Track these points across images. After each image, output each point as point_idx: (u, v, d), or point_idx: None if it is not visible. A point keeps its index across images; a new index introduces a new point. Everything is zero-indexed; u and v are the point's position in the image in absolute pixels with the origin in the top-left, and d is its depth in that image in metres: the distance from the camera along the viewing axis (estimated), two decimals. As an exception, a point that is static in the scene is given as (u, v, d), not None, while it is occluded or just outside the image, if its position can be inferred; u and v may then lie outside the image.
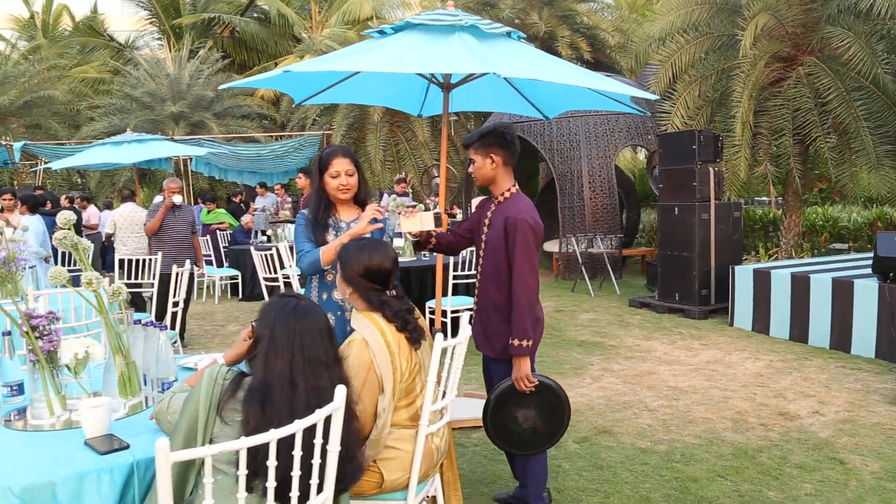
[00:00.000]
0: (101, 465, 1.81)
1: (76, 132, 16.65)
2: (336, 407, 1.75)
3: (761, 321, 6.77)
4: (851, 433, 4.08)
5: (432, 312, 5.64)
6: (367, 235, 2.70)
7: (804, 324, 6.30)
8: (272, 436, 1.57)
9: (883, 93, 7.97)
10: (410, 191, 11.56)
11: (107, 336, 2.37)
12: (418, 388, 2.36)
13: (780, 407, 4.57)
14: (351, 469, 1.90)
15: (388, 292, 2.37)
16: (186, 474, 1.80)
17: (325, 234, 2.82)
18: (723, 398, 4.78)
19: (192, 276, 6.39)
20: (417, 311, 2.43)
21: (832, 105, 8.09)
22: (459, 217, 10.87)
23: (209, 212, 11.40)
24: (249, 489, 1.64)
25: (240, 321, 8.05)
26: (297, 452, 1.65)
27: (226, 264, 10.36)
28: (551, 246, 11.43)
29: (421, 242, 3.19)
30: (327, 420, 1.74)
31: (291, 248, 7.65)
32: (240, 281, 9.59)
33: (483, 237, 3.03)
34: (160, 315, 5.56)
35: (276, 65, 17.51)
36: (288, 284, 7.15)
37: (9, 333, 2.39)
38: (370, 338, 2.25)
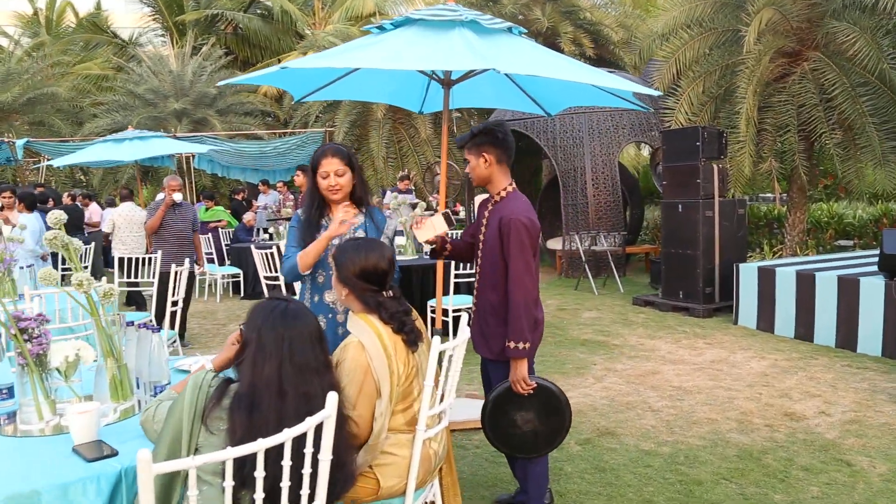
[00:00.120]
0: (88, 472, 1.77)
1: (79, 129, 16.63)
2: (327, 414, 1.69)
3: (766, 319, 6.71)
4: (858, 434, 4.02)
5: (433, 311, 5.59)
6: (362, 234, 2.65)
7: (809, 322, 6.24)
8: (260, 445, 1.51)
9: (889, 88, 7.89)
10: (413, 188, 11.50)
11: (98, 338, 2.33)
12: (415, 391, 2.31)
13: (786, 407, 4.51)
14: (342, 477, 1.84)
15: (384, 293, 2.32)
16: (172, 485, 1.74)
17: (318, 235, 2.75)
18: (727, 398, 4.72)
19: (192, 274, 6.35)
20: (415, 313, 2.38)
21: (837, 101, 8.01)
22: (462, 215, 10.81)
23: (207, 209, 11.37)
24: (236, 501, 1.58)
25: (241, 320, 7.97)
26: (287, 462, 1.60)
27: (227, 262, 10.32)
28: (554, 243, 11.38)
29: (437, 250, 3.14)
30: (318, 428, 1.68)
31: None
32: (241, 279, 9.53)
33: (481, 238, 2.98)
34: (160, 314, 5.53)
35: (279, 61, 17.46)
36: (289, 284, 7.09)
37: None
38: (367, 341, 2.20)
